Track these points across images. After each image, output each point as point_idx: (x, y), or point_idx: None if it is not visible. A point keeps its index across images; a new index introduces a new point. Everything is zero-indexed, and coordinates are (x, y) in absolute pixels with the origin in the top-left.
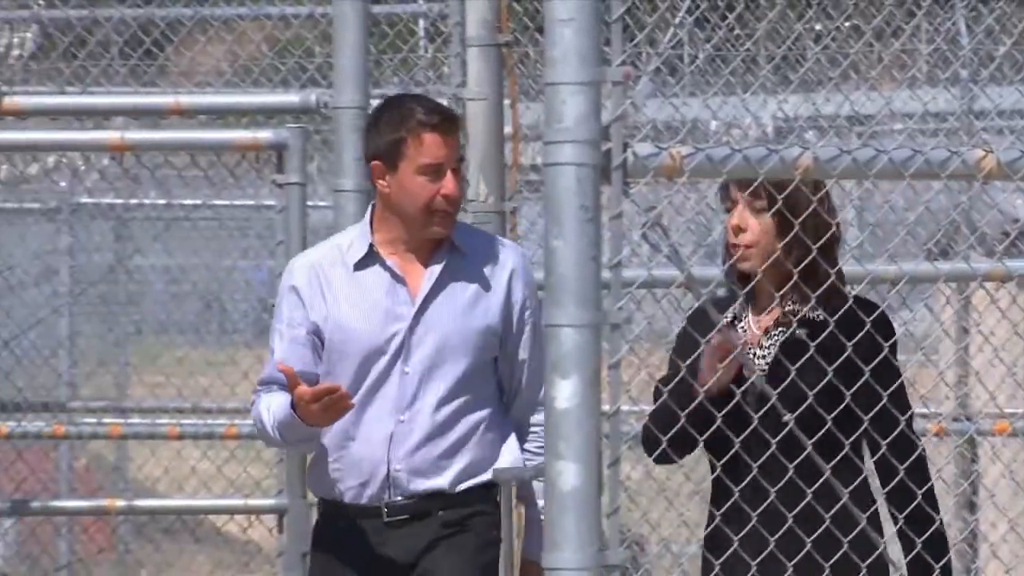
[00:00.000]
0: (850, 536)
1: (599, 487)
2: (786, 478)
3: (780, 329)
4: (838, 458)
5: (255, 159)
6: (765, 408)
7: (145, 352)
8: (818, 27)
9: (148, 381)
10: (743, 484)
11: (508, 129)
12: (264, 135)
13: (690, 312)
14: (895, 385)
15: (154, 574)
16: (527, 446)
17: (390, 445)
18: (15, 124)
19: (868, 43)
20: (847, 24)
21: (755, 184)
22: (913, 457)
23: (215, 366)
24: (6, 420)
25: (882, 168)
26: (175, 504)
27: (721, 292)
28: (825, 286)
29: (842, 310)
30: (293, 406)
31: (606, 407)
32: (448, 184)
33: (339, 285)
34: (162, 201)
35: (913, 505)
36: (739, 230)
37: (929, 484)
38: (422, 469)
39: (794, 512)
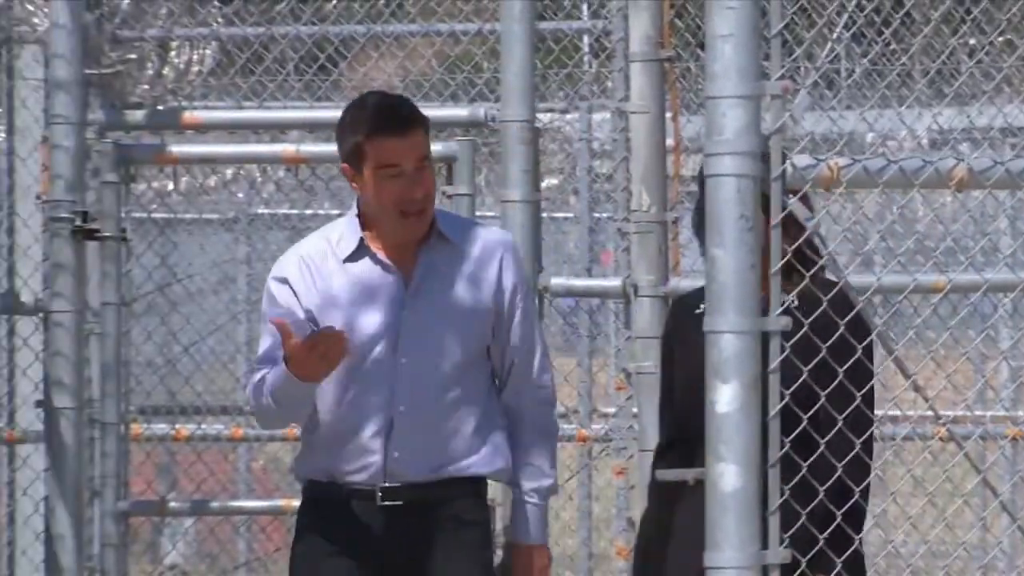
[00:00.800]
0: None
1: (760, 488)
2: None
3: None
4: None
5: None
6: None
7: None
8: (972, 42)
9: None
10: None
11: (670, 141)
12: (434, 148)
13: (672, 304)
14: (866, 387)
15: None
16: (524, 438)
17: (390, 434)
18: (195, 137)
19: (1021, 57)
20: (1000, 39)
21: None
22: (855, 458)
23: None
24: (186, 423)
25: None
26: None
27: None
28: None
29: (815, 303)
30: (286, 361)
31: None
32: (411, 184)
33: (330, 277)
34: (336, 211)
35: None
36: None
37: (854, 502)
38: (419, 458)
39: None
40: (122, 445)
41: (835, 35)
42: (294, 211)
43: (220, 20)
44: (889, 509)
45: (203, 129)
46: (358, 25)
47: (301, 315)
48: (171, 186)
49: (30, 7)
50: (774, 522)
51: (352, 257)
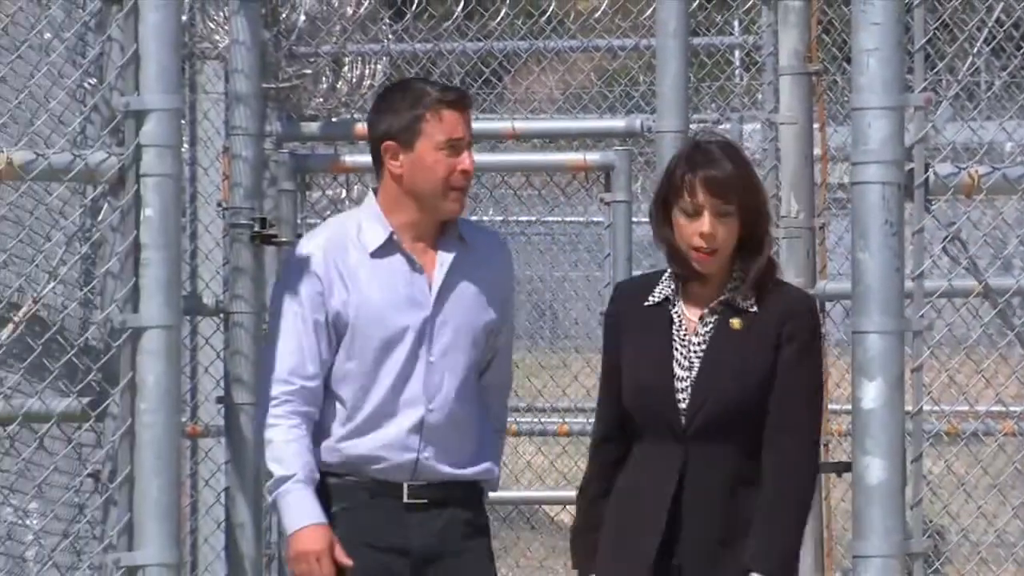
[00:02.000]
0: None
1: (903, 481)
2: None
3: (714, 317)
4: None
5: (584, 179)
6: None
7: None
8: None
9: None
10: (654, 461)
11: (817, 151)
12: (593, 157)
13: (615, 292)
14: (809, 381)
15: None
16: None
17: (421, 432)
18: (367, 148)
19: None
20: None
21: (716, 185)
22: (794, 460)
23: (548, 369)
24: None
25: None
26: (512, 495)
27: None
28: (759, 276)
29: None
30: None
31: (909, 407)
32: (465, 160)
33: (358, 271)
34: (499, 217)
35: (779, 509)
36: (710, 238)
37: (799, 489)
38: (447, 456)
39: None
40: None
41: (975, 49)
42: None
43: (390, 37)
44: None
45: None
46: (521, 41)
47: (326, 310)
48: (344, 194)
49: (212, 25)
50: (917, 513)
51: (380, 252)
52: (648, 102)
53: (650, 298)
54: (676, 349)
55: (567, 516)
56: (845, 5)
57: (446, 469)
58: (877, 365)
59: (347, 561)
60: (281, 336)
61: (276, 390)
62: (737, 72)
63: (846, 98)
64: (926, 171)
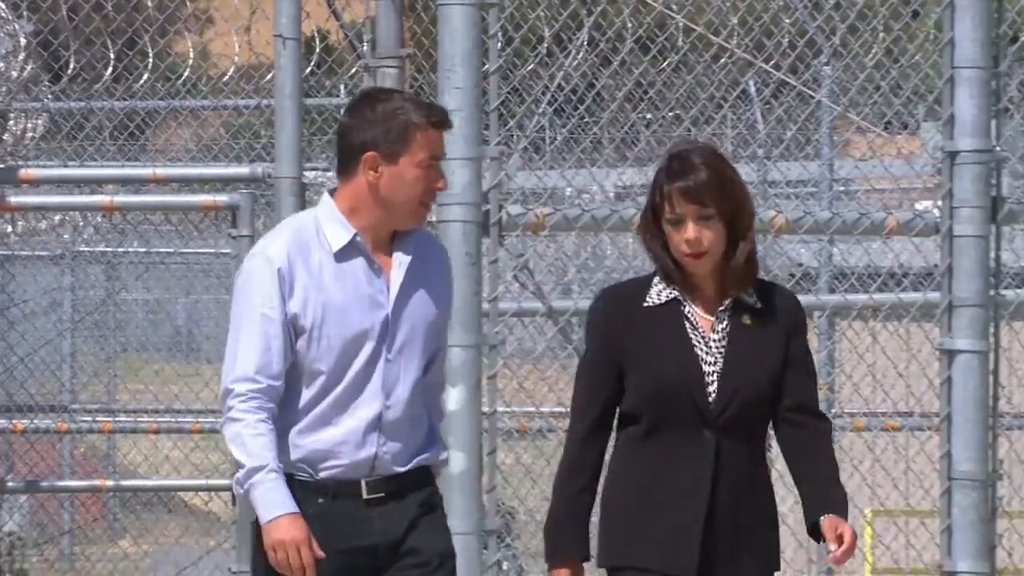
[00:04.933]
0: (766, 505)
1: (480, 470)
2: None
3: (727, 314)
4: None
5: (215, 217)
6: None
7: (129, 366)
8: (649, 116)
9: (132, 388)
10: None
11: None
12: (222, 198)
13: (605, 296)
14: (811, 361)
15: (136, 537)
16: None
17: (379, 428)
18: (29, 190)
19: (687, 128)
20: (671, 114)
21: (692, 189)
22: (828, 431)
23: (184, 377)
24: (21, 419)
25: None
26: (152, 484)
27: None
28: (746, 269)
29: (773, 295)
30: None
31: (486, 409)
32: (443, 179)
33: (322, 270)
34: (143, 249)
35: (826, 467)
36: (697, 243)
37: (834, 455)
38: (402, 451)
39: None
40: None
41: (541, 110)
42: (109, 249)
43: (50, 96)
44: None
45: (36, 183)
46: (160, 101)
47: (287, 310)
48: (9, 229)
49: None
50: (492, 497)
51: (343, 254)
52: (268, 152)
53: (648, 300)
54: (696, 344)
55: (199, 501)
56: (433, 72)
57: (404, 461)
58: (459, 374)
59: (320, 553)
60: (245, 334)
61: (242, 387)
62: None
63: None
64: (500, 211)
